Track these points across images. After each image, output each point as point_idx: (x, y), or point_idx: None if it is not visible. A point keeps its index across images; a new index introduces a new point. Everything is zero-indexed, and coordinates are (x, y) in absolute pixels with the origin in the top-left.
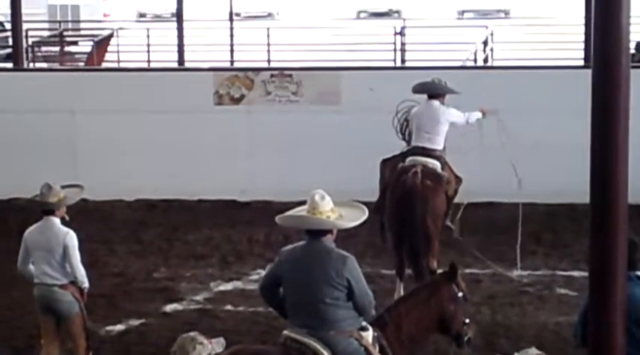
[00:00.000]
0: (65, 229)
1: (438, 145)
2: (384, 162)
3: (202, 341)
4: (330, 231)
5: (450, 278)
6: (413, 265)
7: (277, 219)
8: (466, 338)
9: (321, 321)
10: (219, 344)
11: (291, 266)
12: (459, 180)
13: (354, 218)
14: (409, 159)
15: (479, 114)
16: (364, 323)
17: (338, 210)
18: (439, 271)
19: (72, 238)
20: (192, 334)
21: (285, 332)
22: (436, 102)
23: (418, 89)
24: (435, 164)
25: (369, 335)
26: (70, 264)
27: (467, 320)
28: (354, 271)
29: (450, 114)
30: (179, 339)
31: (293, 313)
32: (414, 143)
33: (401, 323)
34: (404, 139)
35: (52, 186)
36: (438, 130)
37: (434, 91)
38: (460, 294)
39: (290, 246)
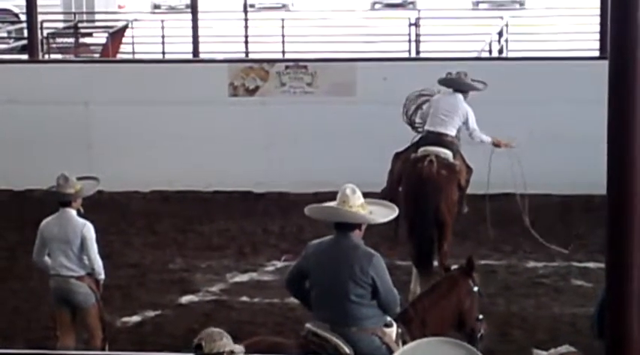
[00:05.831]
0: (82, 221)
1: (451, 131)
2: (397, 155)
3: (229, 337)
4: (358, 227)
5: (467, 273)
6: (424, 254)
7: (306, 210)
8: (479, 335)
9: (345, 318)
10: (241, 351)
11: (318, 261)
12: (469, 170)
13: (385, 214)
14: (421, 150)
15: (488, 140)
16: (388, 319)
17: (368, 206)
18: (453, 266)
19: (89, 230)
20: (218, 329)
21: (308, 325)
22: (460, 96)
23: (447, 83)
24: (447, 153)
25: (392, 331)
26: (87, 255)
27: (480, 316)
28: (379, 269)
29: (468, 112)
30: (207, 330)
31: (317, 307)
32: (427, 127)
33: (425, 318)
34: (411, 125)
35: (68, 178)
36: (453, 117)
37: (462, 88)
38: (475, 289)
39: (317, 240)
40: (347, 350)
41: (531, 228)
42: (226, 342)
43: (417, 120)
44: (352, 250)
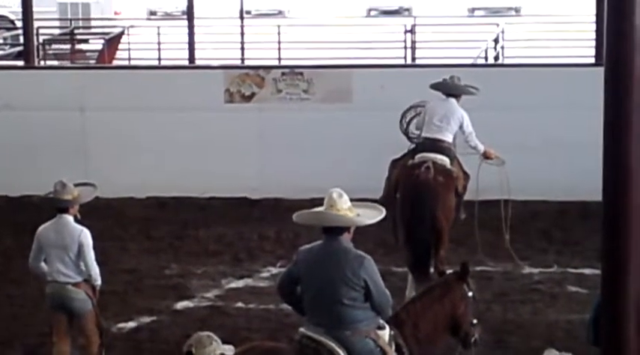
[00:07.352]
0: (79, 227)
1: (448, 137)
2: (394, 162)
3: (218, 339)
4: (347, 230)
5: (461, 278)
6: (420, 260)
7: (295, 216)
8: (473, 339)
9: (338, 321)
10: (230, 350)
11: (309, 265)
12: (467, 176)
13: (372, 216)
14: (419, 156)
15: (481, 148)
16: (381, 322)
17: (355, 209)
18: (449, 271)
19: (86, 236)
20: (207, 333)
21: (302, 329)
22: (453, 100)
23: (438, 88)
24: (444, 160)
25: (385, 334)
26: (84, 262)
27: (475, 321)
28: (371, 272)
29: (463, 116)
30: (195, 335)
31: (310, 312)
32: (423, 134)
33: (418, 322)
34: (406, 135)
35: (66, 184)
36: (449, 123)
37: (453, 91)
38: (470, 294)
39: (308, 245)
40: (341, 353)
41: (510, 247)
42: (216, 346)
43: (412, 129)
44: (343, 254)
